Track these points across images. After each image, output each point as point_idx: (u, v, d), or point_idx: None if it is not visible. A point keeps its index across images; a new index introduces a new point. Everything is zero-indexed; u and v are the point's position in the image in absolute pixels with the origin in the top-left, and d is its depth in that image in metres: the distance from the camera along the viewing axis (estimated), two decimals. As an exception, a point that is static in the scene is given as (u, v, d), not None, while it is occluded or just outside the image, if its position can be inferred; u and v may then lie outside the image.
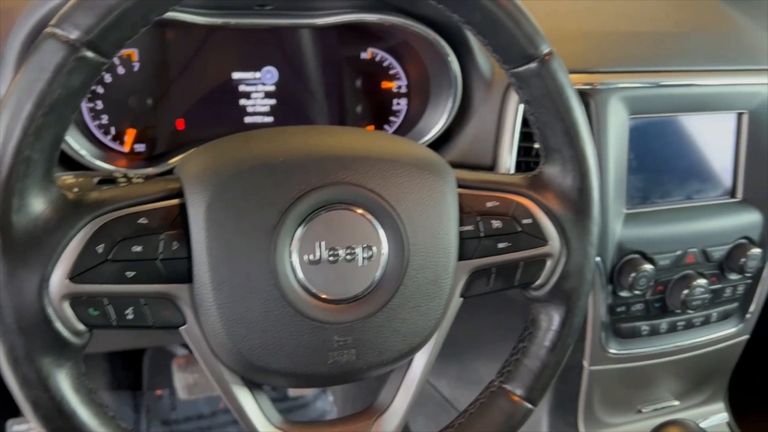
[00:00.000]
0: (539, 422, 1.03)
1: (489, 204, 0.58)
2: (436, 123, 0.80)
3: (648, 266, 0.86)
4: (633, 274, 0.85)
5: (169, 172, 0.55)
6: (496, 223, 0.58)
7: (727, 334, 0.99)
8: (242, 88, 0.79)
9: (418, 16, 0.76)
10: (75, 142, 0.69)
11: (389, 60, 0.84)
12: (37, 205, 0.46)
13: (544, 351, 0.61)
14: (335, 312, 0.52)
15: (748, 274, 0.94)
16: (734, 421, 1.09)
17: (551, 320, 0.61)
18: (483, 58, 0.79)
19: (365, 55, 0.83)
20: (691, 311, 0.91)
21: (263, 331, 0.51)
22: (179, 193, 0.51)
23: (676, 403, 1.04)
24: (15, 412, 0.50)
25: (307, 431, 0.58)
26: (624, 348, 0.92)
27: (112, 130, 0.75)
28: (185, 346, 0.54)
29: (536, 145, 0.60)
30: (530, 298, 0.63)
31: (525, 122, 0.80)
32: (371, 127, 0.85)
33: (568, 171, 0.59)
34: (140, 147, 0.76)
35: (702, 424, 1.04)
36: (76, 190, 0.56)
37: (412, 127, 0.83)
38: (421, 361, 0.60)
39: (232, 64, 0.78)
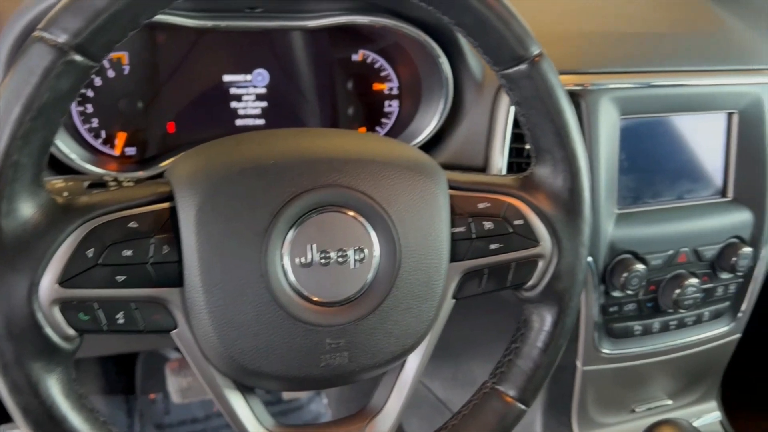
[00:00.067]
0: (533, 422, 1.03)
1: (480, 205, 0.58)
2: (428, 124, 0.80)
3: (640, 266, 0.86)
4: (625, 274, 0.86)
5: (160, 175, 0.55)
6: (488, 225, 0.58)
7: (719, 333, 0.99)
8: (233, 90, 0.79)
9: (409, 18, 0.76)
10: (65, 146, 0.68)
11: (380, 62, 0.84)
12: (26, 209, 0.46)
13: (537, 352, 0.61)
14: (327, 315, 0.52)
15: (740, 273, 0.94)
16: (727, 420, 1.10)
17: (543, 321, 0.62)
18: (474, 59, 0.79)
19: (356, 57, 0.83)
20: (683, 310, 0.91)
21: (255, 334, 0.50)
22: (169, 197, 0.51)
23: (670, 402, 1.04)
24: (6, 418, 0.50)
25: None
26: (617, 348, 0.93)
27: (103, 134, 0.75)
28: (178, 349, 0.54)
29: (527, 146, 0.60)
30: (522, 299, 0.63)
31: (516, 123, 0.80)
32: (363, 129, 0.85)
33: (559, 172, 0.59)
34: (131, 150, 0.76)
35: (695, 423, 1.04)
36: (65, 194, 0.55)
37: (403, 128, 0.83)
38: (414, 362, 0.60)
39: (222, 67, 0.78)
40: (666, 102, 0.88)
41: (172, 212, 0.50)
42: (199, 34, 0.76)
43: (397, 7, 0.76)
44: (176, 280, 0.50)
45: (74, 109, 0.73)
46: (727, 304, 0.98)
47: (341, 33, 0.80)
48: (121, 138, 0.76)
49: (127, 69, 0.74)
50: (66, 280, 0.47)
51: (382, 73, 0.84)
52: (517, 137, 0.81)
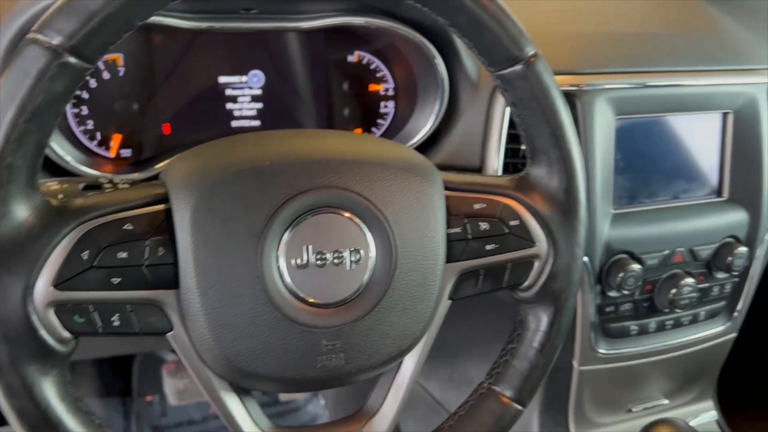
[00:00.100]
0: (530, 422, 1.03)
1: (476, 206, 0.58)
2: (424, 125, 0.80)
3: (636, 266, 0.86)
4: (621, 274, 0.86)
5: (156, 177, 0.55)
6: (484, 225, 0.58)
7: (715, 332, 1.00)
8: (229, 92, 0.79)
9: (405, 19, 0.76)
10: (60, 148, 0.68)
11: (376, 63, 0.84)
12: (21, 212, 0.46)
13: (533, 352, 0.61)
14: (323, 316, 0.52)
15: (735, 273, 0.94)
16: (723, 419, 1.10)
17: (539, 321, 0.62)
18: (469, 60, 0.79)
19: (352, 58, 0.83)
20: (679, 310, 0.91)
21: (251, 336, 0.50)
22: (165, 199, 0.51)
23: (666, 401, 1.04)
24: (1, 421, 0.50)
25: None
26: (613, 348, 0.93)
27: (98, 136, 0.75)
28: (175, 351, 0.54)
29: (523, 147, 0.60)
30: (518, 300, 0.63)
31: (512, 124, 0.81)
32: (359, 130, 0.85)
33: (555, 172, 0.59)
34: (126, 152, 0.76)
35: (691, 423, 1.05)
36: (60, 196, 0.55)
37: (399, 129, 0.83)
38: (410, 363, 0.60)
39: (218, 68, 0.78)
40: (661, 102, 0.89)
41: (168, 214, 0.50)
42: (195, 36, 0.76)
43: (391, 8, 0.76)
44: (172, 282, 0.50)
45: (69, 110, 0.73)
46: (722, 303, 0.98)
47: (337, 34, 0.80)
48: (116, 140, 0.75)
49: (122, 71, 0.74)
50: (61, 282, 0.47)
51: (378, 74, 0.84)
52: (513, 138, 0.81)
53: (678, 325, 0.95)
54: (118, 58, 0.74)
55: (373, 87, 0.84)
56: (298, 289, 0.51)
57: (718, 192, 0.95)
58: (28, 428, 0.48)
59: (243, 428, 0.55)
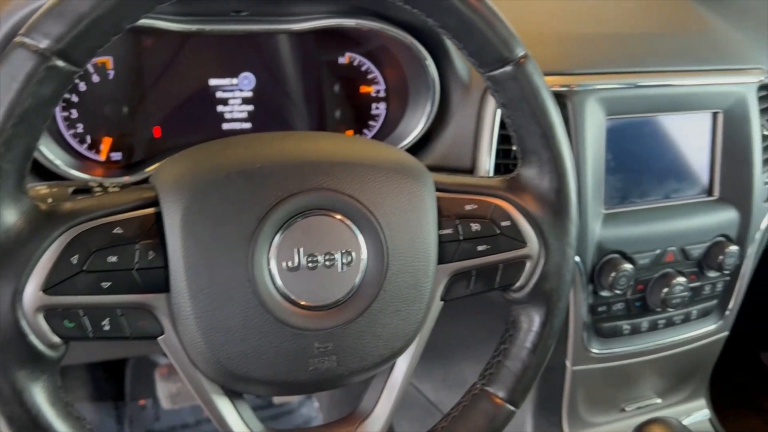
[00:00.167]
0: (524, 423, 1.03)
1: (467, 207, 0.58)
2: (415, 127, 0.80)
3: (628, 266, 0.86)
4: (613, 274, 0.86)
5: (146, 180, 0.55)
6: (475, 226, 0.58)
7: (707, 331, 1.00)
8: (219, 94, 0.78)
9: (395, 21, 0.76)
10: (49, 152, 0.68)
11: (367, 64, 0.83)
12: (9, 216, 0.46)
13: (525, 352, 0.61)
14: (315, 318, 0.52)
15: (727, 272, 0.95)
16: (716, 418, 1.10)
17: (532, 322, 0.62)
18: (460, 61, 0.79)
19: (343, 60, 0.83)
20: (671, 309, 0.92)
21: (242, 339, 0.50)
22: (155, 202, 0.50)
23: (659, 400, 1.04)
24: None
25: None
26: (606, 347, 0.93)
27: (88, 139, 0.74)
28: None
29: (515, 148, 0.60)
30: (510, 300, 0.63)
31: (503, 125, 0.81)
32: (350, 132, 0.85)
33: (545, 173, 0.59)
34: (117, 155, 0.76)
35: (684, 421, 1.05)
36: (49, 200, 0.55)
37: (391, 131, 0.83)
38: (403, 365, 0.60)
39: (208, 71, 0.78)
40: (652, 102, 0.89)
41: (158, 217, 0.50)
42: (185, 38, 0.76)
43: (382, 9, 0.76)
44: (162, 285, 0.50)
45: (59, 114, 0.73)
46: (714, 302, 0.99)
47: (327, 36, 0.80)
48: (106, 143, 0.75)
49: (111, 74, 0.74)
50: (50, 287, 0.47)
51: (369, 76, 0.84)
52: (505, 139, 0.81)
53: (670, 324, 0.95)
54: (108, 61, 0.74)
55: (364, 89, 0.84)
56: (289, 292, 0.51)
57: (709, 191, 0.95)
58: (18, 434, 0.48)
59: (235, 432, 0.55)
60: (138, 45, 0.75)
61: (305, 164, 0.52)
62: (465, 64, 0.80)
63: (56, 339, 0.48)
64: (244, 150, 0.53)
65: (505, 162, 0.82)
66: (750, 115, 0.94)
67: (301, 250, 0.51)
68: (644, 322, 0.93)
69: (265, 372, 0.51)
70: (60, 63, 0.44)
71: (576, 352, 0.92)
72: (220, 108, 0.79)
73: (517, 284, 0.61)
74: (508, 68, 0.55)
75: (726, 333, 1.03)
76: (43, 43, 0.44)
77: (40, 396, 0.48)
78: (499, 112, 0.80)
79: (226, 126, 0.79)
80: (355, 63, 0.83)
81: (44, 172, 0.68)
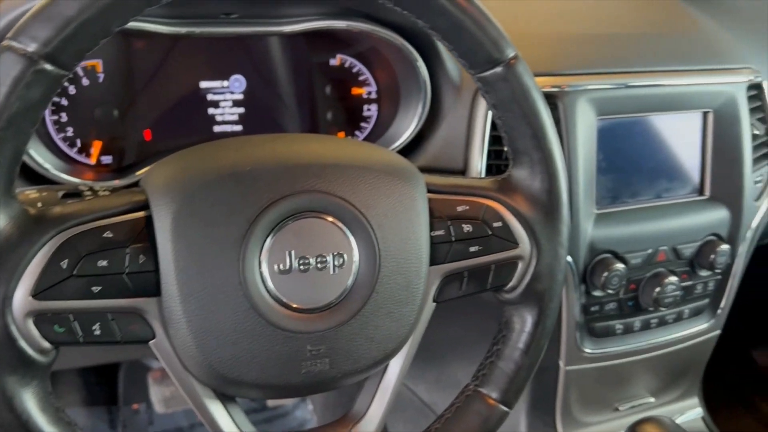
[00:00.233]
0: (518, 423, 1.03)
1: (459, 208, 0.58)
2: (407, 128, 0.80)
3: (620, 265, 0.87)
4: (605, 274, 0.86)
5: (137, 184, 0.55)
6: (467, 227, 0.58)
7: (699, 330, 1.00)
8: (210, 97, 0.78)
9: (386, 23, 0.76)
10: (39, 156, 0.67)
11: (358, 66, 0.83)
12: (-2, 221, 0.45)
13: (518, 353, 0.61)
14: (307, 321, 0.52)
15: (718, 270, 0.95)
16: (709, 416, 1.11)
17: (524, 322, 0.62)
18: (451, 63, 0.79)
19: (334, 62, 0.83)
20: (663, 308, 0.92)
21: (234, 343, 0.50)
22: (145, 206, 0.50)
23: (652, 399, 1.05)
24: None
25: None
26: (599, 347, 0.93)
27: (78, 143, 0.74)
28: (159, 359, 0.54)
29: (506, 149, 0.61)
30: (503, 301, 0.63)
31: (495, 126, 0.81)
32: (342, 134, 0.85)
33: (537, 173, 0.59)
34: (107, 159, 0.75)
35: (677, 420, 1.06)
36: (39, 204, 0.55)
37: (383, 132, 0.83)
38: (396, 367, 0.60)
39: (199, 73, 0.77)
40: (642, 102, 0.89)
41: (148, 221, 0.50)
42: (174, 41, 0.75)
43: (372, 11, 0.75)
44: (153, 289, 0.49)
45: (48, 117, 0.72)
46: (706, 301, 0.99)
47: (318, 38, 0.80)
48: (96, 146, 0.75)
49: (101, 77, 0.74)
50: (40, 292, 0.46)
51: (360, 78, 0.84)
52: (496, 139, 0.81)
53: (663, 323, 0.96)
54: (98, 64, 0.73)
55: (355, 90, 0.84)
56: (281, 295, 0.51)
57: (700, 190, 0.96)
58: (8, 440, 0.47)
59: (228, 436, 0.55)
60: (128, 48, 0.74)
61: (296, 166, 0.52)
62: (456, 65, 0.80)
63: (46, 344, 0.48)
64: (234, 153, 0.53)
65: (497, 163, 0.82)
66: (740, 114, 0.94)
67: (293, 252, 0.51)
68: (637, 321, 0.93)
69: (257, 375, 0.51)
70: (48, 66, 0.44)
71: (569, 352, 0.92)
72: (210, 111, 0.78)
73: (510, 285, 0.61)
74: (498, 69, 0.55)
75: (718, 332, 1.03)
76: (31, 47, 0.43)
77: (30, 402, 0.48)
78: (490, 113, 0.80)
79: (217, 129, 0.79)
80: (346, 65, 0.83)
81: (34, 176, 0.68)
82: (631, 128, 0.90)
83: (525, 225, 0.59)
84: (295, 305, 0.51)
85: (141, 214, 0.50)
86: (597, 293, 0.90)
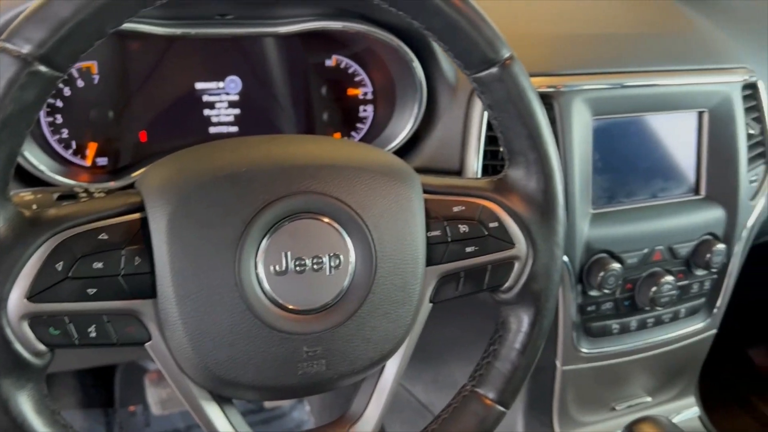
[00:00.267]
0: (515, 423, 1.03)
1: (455, 209, 0.58)
2: (403, 129, 0.80)
3: (616, 265, 0.87)
4: (601, 274, 0.86)
5: (132, 185, 0.55)
6: (463, 228, 0.58)
7: (695, 329, 1.01)
8: (206, 98, 0.78)
9: (381, 23, 0.76)
10: (34, 158, 0.67)
11: (354, 67, 0.83)
12: (-8, 223, 0.45)
13: (515, 353, 0.61)
14: (303, 322, 0.52)
15: (714, 270, 0.95)
16: (705, 415, 1.11)
17: (521, 322, 0.62)
18: (447, 63, 0.79)
19: (330, 63, 0.83)
20: (660, 308, 0.92)
21: (230, 344, 0.50)
22: (140, 207, 0.50)
23: (649, 399, 1.05)
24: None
25: None
26: (595, 347, 0.93)
27: (73, 144, 0.74)
28: (155, 361, 0.53)
29: (502, 149, 0.61)
30: (499, 301, 0.63)
31: (491, 126, 0.81)
32: (338, 135, 0.84)
33: (532, 173, 0.59)
34: (102, 161, 0.75)
35: (675, 419, 1.06)
36: (34, 206, 0.54)
37: (379, 133, 0.83)
38: (392, 368, 0.60)
39: (194, 75, 0.77)
40: (638, 102, 0.89)
41: (144, 223, 0.50)
42: (170, 42, 0.75)
43: (367, 12, 0.75)
44: (149, 291, 0.49)
45: (43, 119, 0.72)
46: (702, 300, 0.99)
47: (314, 38, 0.80)
48: (92, 148, 0.74)
49: (96, 78, 0.73)
50: (35, 294, 0.46)
51: (356, 78, 0.84)
52: (492, 140, 0.81)
53: (659, 322, 0.96)
54: (93, 65, 0.73)
55: (351, 91, 0.84)
56: (277, 296, 0.51)
57: (696, 190, 0.96)
58: (3, 443, 0.47)
59: (224, 438, 0.55)
60: (123, 49, 0.74)
61: (292, 167, 0.52)
62: (452, 65, 0.80)
63: (41, 347, 0.48)
64: (230, 154, 0.53)
65: (493, 163, 0.82)
66: (735, 113, 0.94)
67: (289, 253, 0.51)
68: (633, 321, 0.94)
69: (253, 377, 0.51)
70: (42, 68, 0.44)
71: (566, 352, 0.92)
72: (206, 112, 0.78)
73: (506, 285, 0.61)
74: (493, 70, 0.55)
75: (714, 331, 1.04)
76: (25, 49, 0.43)
77: (26, 404, 0.48)
78: (486, 113, 0.80)
79: (212, 130, 0.79)
80: (342, 65, 0.83)
81: (29, 178, 0.68)
82: (626, 128, 0.90)
83: (521, 225, 0.59)
84: (291, 306, 0.51)
85: (136, 215, 0.50)
86: (593, 293, 0.90)
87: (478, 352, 0.65)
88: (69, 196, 0.59)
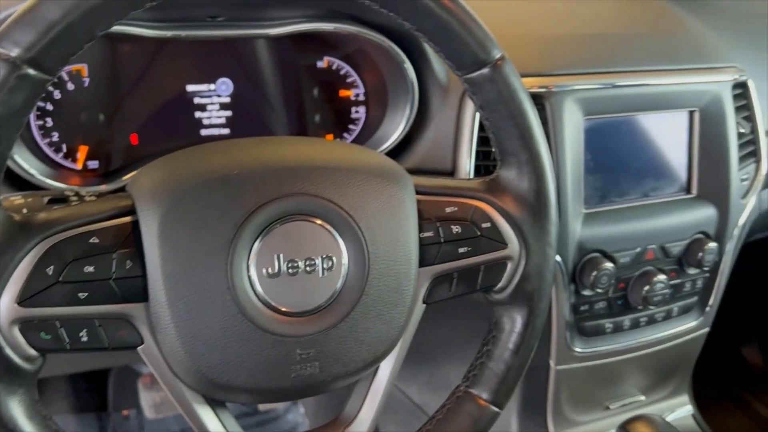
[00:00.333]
0: (509, 423, 1.03)
1: (448, 209, 0.58)
2: (395, 130, 0.80)
3: (609, 264, 0.87)
4: (594, 273, 0.87)
5: (123, 188, 0.54)
6: (456, 228, 0.58)
7: (688, 327, 1.01)
8: (197, 100, 0.78)
9: (373, 24, 0.76)
10: (24, 161, 0.67)
11: (346, 68, 0.83)
12: (-18, 228, 0.45)
13: (508, 353, 0.61)
14: (296, 325, 0.51)
15: (706, 268, 0.96)
16: (699, 413, 1.11)
17: (514, 322, 0.62)
18: (439, 64, 0.79)
19: (322, 64, 0.83)
20: (652, 307, 0.92)
21: (223, 347, 0.50)
22: (131, 210, 0.50)
23: (643, 398, 1.05)
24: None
25: None
26: (589, 346, 0.93)
27: (64, 148, 0.73)
28: (148, 365, 0.53)
29: (494, 149, 0.61)
30: (493, 302, 0.63)
31: (483, 127, 0.81)
32: (330, 136, 0.84)
33: (524, 174, 0.59)
34: (93, 164, 0.75)
35: (668, 418, 1.06)
36: (24, 210, 0.54)
37: (371, 134, 0.83)
38: (386, 369, 0.59)
39: (185, 77, 0.77)
40: (629, 102, 0.90)
41: (135, 226, 0.49)
42: (160, 44, 0.75)
43: (358, 13, 0.75)
44: (140, 295, 0.49)
45: (33, 122, 0.72)
46: (695, 298, 1.00)
47: (305, 40, 0.80)
48: (82, 151, 0.74)
49: (87, 81, 0.73)
50: (25, 299, 0.46)
51: (348, 80, 0.84)
52: (484, 140, 0.81)
53: (652, 321, 0.96)
54: (83, 68, 0.73)
55: (343, 92, 0.84)
56: (270, 299, 0.51)
57: (687, 189, 0.96)
58: (-5, 449, 0.47)
59: (218, 442, 0.55)
60: (113, 51, 0.74)
61: (284, 169, 0.52)
62: (443, 66, 0.80)
63: (32, 352, 0.47)
64: (222, 156, 0.53)
65: (485, 164, 0.82)
66: (725, 112, 0.95)
67: (281, 256, 0.51)
68: (626, 320, 0.94)
69: (246, 380, 0.51)
70: (31, 71, 0.43)
71: (559, 352, 0.92)
72: (197, 114, 0.78)
73: (499, 285, 0.61)
74: (485, 70, 0.56)
75: (707, 329, 1.04)
76: (14, 52, 0.43)
77: (17, 410, 0.47)
78: (478, 114, 0.80)
79: (204, 132, 0.79)
80: (334, 67, 0.83)
81: (19, 182, 0.67)
82: (618, 128, 0.90)
83: (513, 225, 0.59)
84: (284, 309, 0.51)
85: (127, 219, 0.50)
86: (586, 292, 0.90)
87: (471, 352, 0.65)
88: (60, 199, 0.59)
